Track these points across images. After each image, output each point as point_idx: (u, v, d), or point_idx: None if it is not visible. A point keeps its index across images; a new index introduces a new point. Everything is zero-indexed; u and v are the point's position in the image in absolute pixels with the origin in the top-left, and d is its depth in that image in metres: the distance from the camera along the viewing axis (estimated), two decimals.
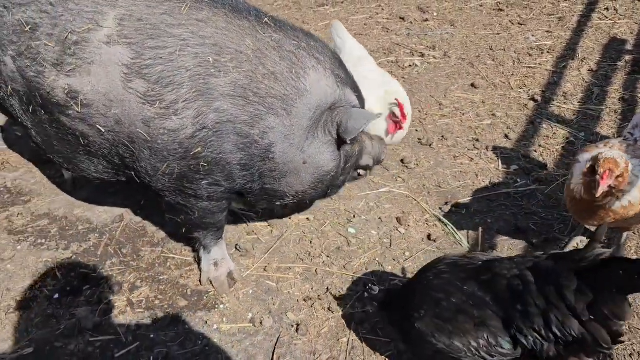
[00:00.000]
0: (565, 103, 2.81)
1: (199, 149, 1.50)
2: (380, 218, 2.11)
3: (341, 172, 1.74)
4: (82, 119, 1.56)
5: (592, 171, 1.49)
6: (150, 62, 1.48)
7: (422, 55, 3.33)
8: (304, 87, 1.52)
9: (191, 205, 1.68)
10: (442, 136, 2.56)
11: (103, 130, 1.55)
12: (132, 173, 1.64)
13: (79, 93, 1.53)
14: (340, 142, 1.64)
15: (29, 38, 1.57)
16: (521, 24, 3.72)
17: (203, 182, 1.59)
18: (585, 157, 1.63)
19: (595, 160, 1.48)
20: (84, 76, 1.53)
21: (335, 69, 1.59)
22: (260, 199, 1.72)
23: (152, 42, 1.48)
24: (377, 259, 1.93)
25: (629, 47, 3.36)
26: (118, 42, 1.49)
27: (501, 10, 3.94)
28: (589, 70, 3.12)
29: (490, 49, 3.39)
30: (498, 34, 3.60)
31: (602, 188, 1.43)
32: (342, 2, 4.15)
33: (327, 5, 4.12)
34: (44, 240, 2.02)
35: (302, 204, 1.98)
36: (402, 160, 2.41)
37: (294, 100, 1.50)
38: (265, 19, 1.57)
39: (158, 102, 1.47)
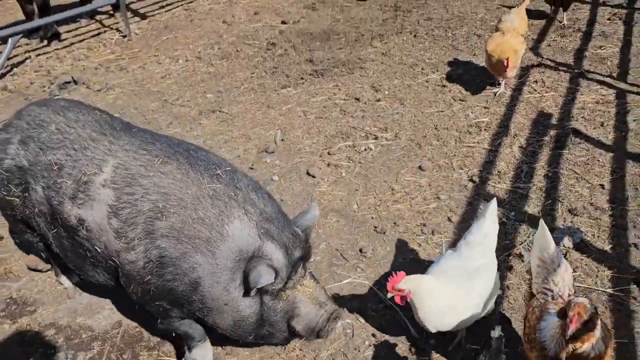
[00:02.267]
0: (498, 182, 3.25)
1: (149, 277, 1.88)
2: (344, 309, 2.47)
3: (265, 322, 1.89)
4: (87, 239, 1.96)
5: (564, 315, 1.70)
6: (123, 205, 1.87)
7: (376, 138, 3.76)
8: (227, 232, 1.81)
9: (162, 318, 2.03)
10: (395, 222, 2.96)
11: (99, 250, 1.93)
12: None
13: (85, 221, 1.93)
14: (260, 291, 1.84)
15: (56, 175, 1.98)
16: (462, 100, 4.20)
17: (158, 304, 1.93)
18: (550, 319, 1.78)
19: (567, 305, 1.71)
20: (88, 209, 1.91)
21: (263, 223, 1.83)
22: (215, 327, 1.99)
23: (128, 188, 1.87)
24: (342, 349, 2.29)
25: (554, 120, 3.87)
26: (109, 186, 1.89)
27: (444, 86, 4.43)
28: (519, 147, 3.59)
29: (435, 128, 3.84)
30: (442, 111, 4.06)
31: (571, 331, 1.63)
32: (303, 83, 4.59)
33: (289, 87, 4.55)
34: (52, 351, 2.31)
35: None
36: (360, 250, 2.79)
37: (217, 242, 1.81)
38: (218, 172, 1.92)
39: (124, 238, 1.86)
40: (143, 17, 6.61)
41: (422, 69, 4.75)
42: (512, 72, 4.08)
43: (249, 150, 3.68)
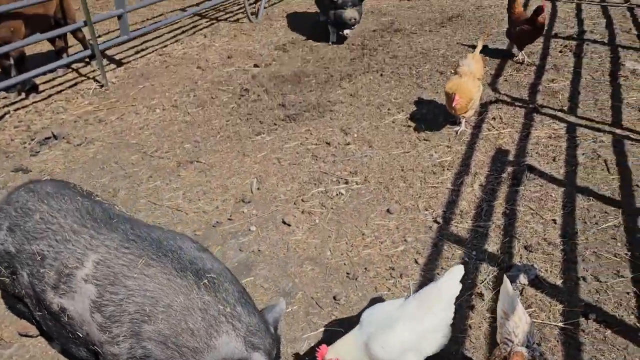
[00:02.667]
0: (461, 222, 3.50)
1: None
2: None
3: None
4: (69, 324, 2.11)
5: None
6: (106, 302, 2.03)
7: (347, 182, 3.99)
8: (214, 345, 1.93)
9: None
10: (365, 268, 3.17)
11: (81, 336, 2.10)
12: None
13: (67, 310, 2.10)
14: None
15: (39, 264, 2.13)
16: (426, 140, 4.47)
17: None
18: None
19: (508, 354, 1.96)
20: (70, 300, 2.09)
21: (249, 336, 1.97)
22: None
23: (111, 287, 2.03)
24: None
25: (510, 157, 4.15)
26: (91, 282, 2.06)
27: (409, 126, 4.70)
28: (480, 185, 3.86)
29: (402, 170, 4.09)
30: (408, 152, 4.32)
31: None
32: (276, 129, 4.82)
33: (263, 134, 4.77)
34: None
35: None
36: (334, 297, 3.00)
37: (203, 353, 1.93)
38: (205, 280, 2.02)
39: (108, 332, 2.02)
40: (119, 64, 6.81)
41: (389, 109, 5.03)
42: (469, 113, 4.37)
43: (227, 200, 3.88)
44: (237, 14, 8.85)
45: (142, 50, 7.29)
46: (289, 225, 3.55)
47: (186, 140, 4.74)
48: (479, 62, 4.56)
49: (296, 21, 8.12)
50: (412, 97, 5.24)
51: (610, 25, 6.77)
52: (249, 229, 3.55)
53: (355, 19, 6.44)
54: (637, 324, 2.62)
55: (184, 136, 4.82)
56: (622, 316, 2.67)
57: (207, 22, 8.50)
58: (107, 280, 2.04)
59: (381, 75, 5.82)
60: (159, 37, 7.85)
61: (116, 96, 5.79)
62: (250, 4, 8.53)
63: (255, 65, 6.35)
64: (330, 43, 6.85)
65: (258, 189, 3.97)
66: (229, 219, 3.67)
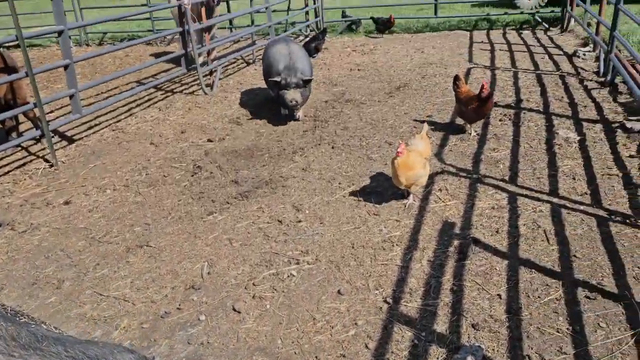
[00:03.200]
0: (410, 301, 3.54)
1: None
2: None
3: None
4: None
5: None
6: None
7: (298, 263, 4.00)
8: None
9: None
10: (316, 356, 3.14)
11: None
12: None
13: None
14: None
15: None
16: (376, 214, 4.57)
17: None
18: None
19: None
20: None
21: None
22: None
23: None
24: None
25: (457, 230, 4.28)
26: None
27: (360, 200, 4.81)
28: (428, 260, 3.94)
29: (352, 247, 4.15)
30: (358, 227, 4.40)
31: None
32: (228, 208, 4.83)
33: (215, 213, 4.78)
34: None
35: None
36: None
37: None
38: None
39: None
40: (71, 141, 6.77)
41: (340, 183, 5.14)
42: (415, 188, 4.52)
43: (177, 287, 3.82)
44: (192, 85, 9.02)
45: (95, 125, 7.30)
46: (239, 312, 3.51)
47: (136, 223, 4.69)
48: (425, 141, 4.77)
49: (251, 93, 8.33)
50: (362, 169, 5.39)
51: (544, 93, 7.24)
52: (199, 319, 3.49)
53: (296, 102, 6.45)
54: None
55: (134, 218, 4.77)
56: None
57: (162, 94, 8.61)
58: None
59: (332, 147, 5.98)
60: (112, 110, 7.88)
61: (66, 176, 5.72)
62: (205, 76, 8.73)
63: (209, 140, 6.43)
64: (282, 115, 6.99)
65: (209, 273, 3.94)
66: (178, 308, 3.60)
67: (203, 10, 8.23)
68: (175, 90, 8.83)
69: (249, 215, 4.69)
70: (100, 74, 10.44)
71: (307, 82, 6.54)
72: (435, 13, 12.75)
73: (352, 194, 4.91)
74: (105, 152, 6.31)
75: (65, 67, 6.24)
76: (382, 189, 4.96)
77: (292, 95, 6.42)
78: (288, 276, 3.86)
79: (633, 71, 6.85)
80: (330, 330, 3.33)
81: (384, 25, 12.11)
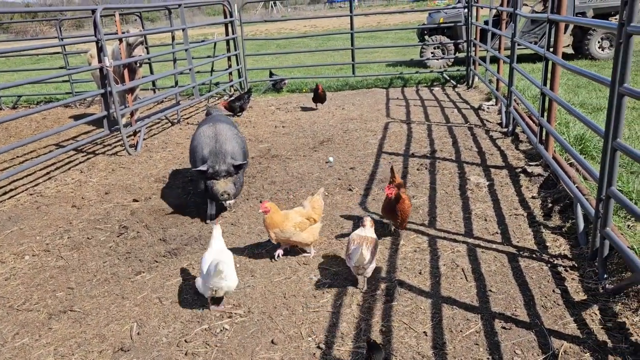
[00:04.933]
0: (342, 345, 3.64)
1: None
2: None
3: None
4: None
5: None
6: None
7: (230, 317, 4.01)
8: None
9: None
10: None
11: None
12: None
13: None
14: None
15: None
16: (305, 264, 4.69)
17: None
18: None
19: None
20: None
21: None
22: None
23: None
24: None
25: (383, 273, 4.47)
26: None
27: (290, 251, 4.91)
28: (357, 304, 4.08)
29: (284, 297, 4.22)
30: (289, 277, 4.49)
31: None
32: (157, 267, 4.77)
33: (143, 272, 4.69)
34: None
35: None
36: None
37: None
38: None
39: None
40: None
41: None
42: (309, 248, 4.74)
43: (105, 351, 3.69)
44: (115, 146, 8.90)
45: (11, 190, 6.98)
46: None
47: (59, 288, 4.51)
48: (314, 203, 4.83)
49: (176, 151, 8.35)
50: None
51: (455, 143, 7.84)
52: None
53: (228, 194, 5.36)
54: None
55: (56, 283, 4.59)
56: None
57: (83, 156, 8.43)
58: None
59: (260, 202, 6.10)
60: (30, 174, 7.60)
61: None
62: (129, 137, 8.68)
63: (135, 200, 6.35)
64: (207, 221, 5.67)
65: (138, 334, 3.84)
66: None
67: (126, 71, 8.29)
68: (97, 152, 8.67)
69: (178, 273, 4.65)
70: (15, 138, 10.06)
71: (239, 168, 5.48)
72: (353, 72, 13.54)
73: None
74: (23, 217, 6.05)
75: None
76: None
77: (222, 186, 5.34)
78: (221, 330, 3.85)
79: (530, 122, 7.63)
80: None
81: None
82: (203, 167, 5.38)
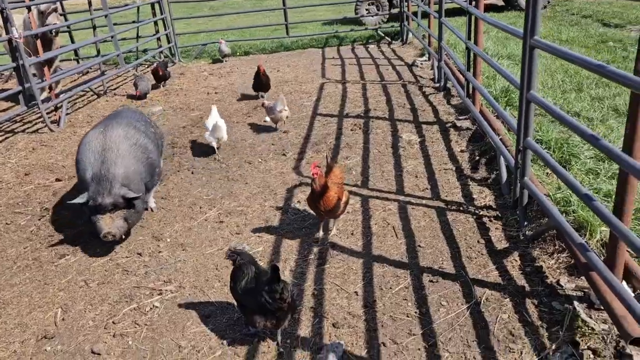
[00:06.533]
0: None
1: None
2: None
3: None
4: None
5: None
6: None
7: (161, 293, 3.92)
8: None
9: None
10: None
11: None
12: None
13: None
14: None
15: None
16: (238, 233, 4.63)
17: None
18: None
19: None
20: None
21: None
22: None
23: None
24: None
25: (316, 237, 4.47)
26: None
27: (222, 221, 4.83)
28: (290, 270, 4.07)
29: (216, 269, 4.16)
30: (221, 249, 4.41)
31: None
32: (82, 249, 4.58)
33: (68, 255, 4.50)
34: None
35: None
36: None
37: None
38: None
39: None
40: None
41: (201, 207, 5.13)
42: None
43: (27, 341, 3.53)
44: (36, 123, 8.39)
45: None
46: (99, 354, 3.35)
47: None
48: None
49: None
50: (223, 191, 5.42)
51: (389, 101, 7.87)
52: None
53: (112, 235, 4.14)
54: None
55: None
56: None
57: (0, 136, 7.89)
58: None
59: (192, 172, 5.94)
60: None
61: None
62: (50, 112, 8.19)
63: (58, 180, 6.03)
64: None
65: (63, 319, 3.70)
66: None
67: (39, 42, 7.72)
68: (16, 130, 8.14)
69: (105, 252, 4.48)
70: None
71: (130, 201, 4.19)
72: (287, 33, 13.23)
73: (214, 217, 4.92)
74: None
75: None
76: (243, 208, 5.03)
77: (107, 224, 4.12)
78: (150, 308, 3.76)
79: (460, 76, 7.73)
80: (197, 355, 3.31)
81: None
82: (80, 200, 4.13)
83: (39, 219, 5.16)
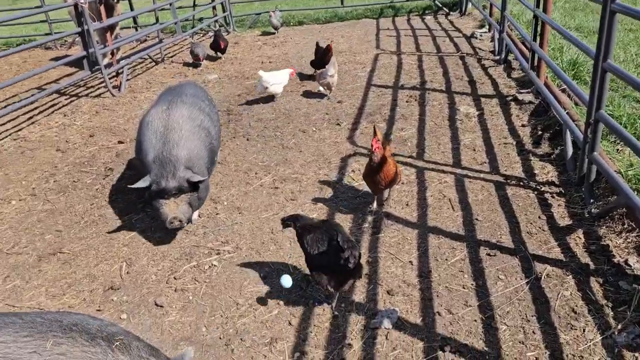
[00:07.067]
0: None
1: None
2: None
3: None
4: None
5: None
6: None
7: (219, 253, 4.03)
8: None
9: None
10: (241, 338, 3.20)
11: None
12: None
13: None
14: None
15: None
16: (293, 200, 4.68)
17: None
18: None
19: None
20: None
21: None
22: None
23: None
24: None
25: (370, 206, 4.47)
26: None
27: (277, 187, 4.90)
28: None
29: (272, 232, 4.23)
30: (276, 214, 4.49)
31: None
32: (144, 207, 4.75)
33: (131, 213, 4.68)
34: None
35: None
36: None
37: None
38: (116, 343, 2.08)
39: None
40: None
41: (256, 173, 5.21)
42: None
43: (95, 290, 3.73)
44: (98, 88, 8.68)
45: None
46: (162, 306, 3.50)
47: (47, 231, 4.51)
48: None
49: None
50: (277, 158, 5.47)
51: (446, 73, 7.66)
52: (120, 317, 3.45)
53: (179, 221, 3.91)
54: (485, 348, 2.93)
55: (44, 227, 4.58)
56: (473, 343, 2.97)
57: (66, 99, 8.23)
58: None
59: (247, 139, 6.02)
60: (12, 119, 7.44)
61: None
62: (112, 78, 8.45)
63: (120, 142, 6.25)
64: None
65: (128, 272, 3.88)
66: (97, 310, 3.53)
67: (102, 8, 7.93)
68: (80, 94, 8.46)
69: None
70: None
71: (196, 185, 3.97)
72: (342, 3, 13.03)
73: (269, 182, 4.99)
74: (8, 163, 5.97)
75: None
76: (297, 176, 5.07)
77: (172, 209, 3.89)
78: (209, 267, 3.88)
79: (523, 48, 7.42)
80: (254, 313, 3.40)
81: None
82: (142, 184, 3.89)
83: (104, 178, 5.38)
